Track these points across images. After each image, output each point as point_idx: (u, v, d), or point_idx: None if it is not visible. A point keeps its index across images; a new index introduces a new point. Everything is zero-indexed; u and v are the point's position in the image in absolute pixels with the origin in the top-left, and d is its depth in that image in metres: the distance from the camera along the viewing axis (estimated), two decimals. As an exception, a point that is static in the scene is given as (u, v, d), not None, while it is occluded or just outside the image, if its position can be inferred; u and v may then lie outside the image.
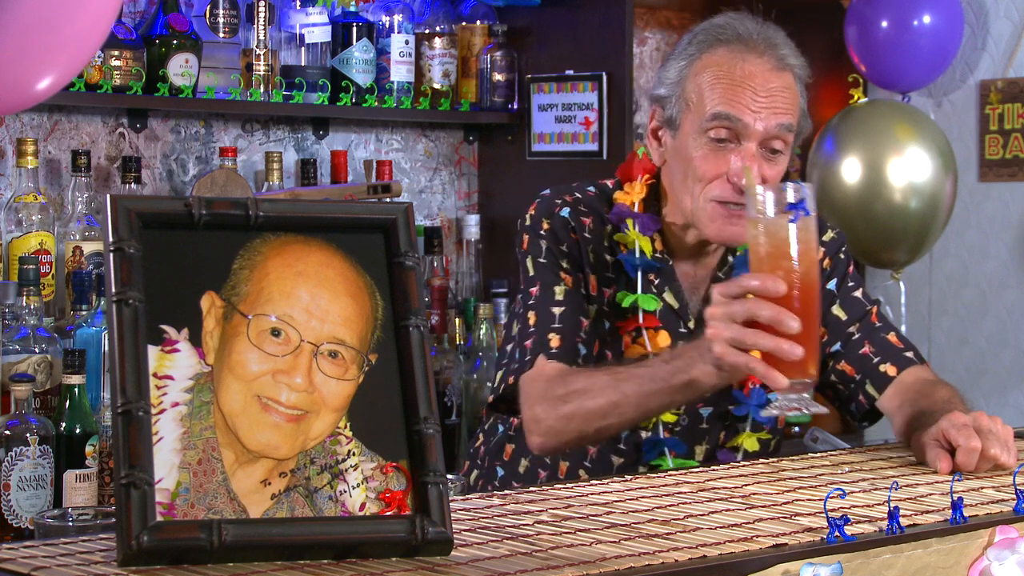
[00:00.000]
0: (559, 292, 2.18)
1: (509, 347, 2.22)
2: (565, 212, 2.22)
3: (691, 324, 2.24)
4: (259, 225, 1.42)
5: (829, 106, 4.26)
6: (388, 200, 3.43)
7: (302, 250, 1.43)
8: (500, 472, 2.29)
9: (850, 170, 3.84)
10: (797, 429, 4.21)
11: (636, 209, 2.23)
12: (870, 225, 3.75)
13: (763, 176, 2.11)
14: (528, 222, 2.25)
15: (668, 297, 2.22)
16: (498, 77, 3.77)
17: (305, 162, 3.52)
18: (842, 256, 2.33)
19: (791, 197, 1.81)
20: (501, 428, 2.32)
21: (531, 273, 2.22)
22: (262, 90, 3.36)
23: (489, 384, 3.47)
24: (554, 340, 2.14)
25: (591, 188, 2.28)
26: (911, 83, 4.10)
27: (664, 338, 2.19)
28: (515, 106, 3.80)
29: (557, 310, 2.16)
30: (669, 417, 2.18)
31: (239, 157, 3.45)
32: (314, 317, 1.40)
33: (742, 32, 2.14)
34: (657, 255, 2.21)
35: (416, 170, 3.86)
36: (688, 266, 2.25)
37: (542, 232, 2.22)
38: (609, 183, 2.29)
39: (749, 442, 2.22)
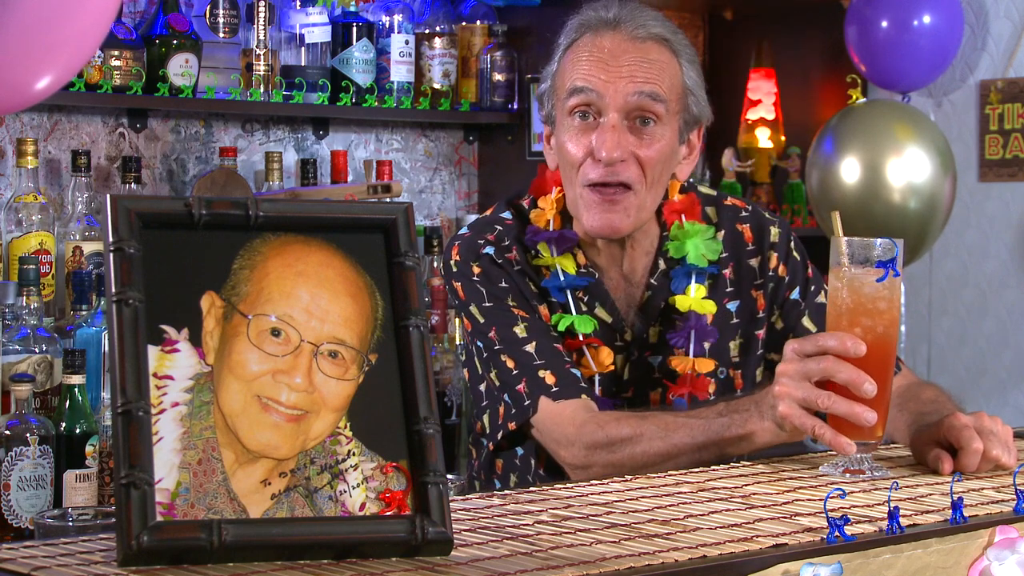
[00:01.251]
0: (520, 330, 2.11)
1: (485, 388, 2.16)
2: (489, 250, 2.14)
3: (627, 336, 2.19)
4: (259, 225, 1.42)
5: (828, 106, 4.26)
6: (388, 200, 3.43)
7: (302, 250, 1.43)
8: (498, 485, 2.25)
9: (849, 170, 3.84)
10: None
11: (552, 226, 2.16)
12: (869, 225, 3.75)
13: (635, 153, 2.05)
14: (456, 269, 2.16)
15: (600, 313, 2.16)
16: (498, 77, 3.77)
17: (305, 162, 3.52)
18: (796, 256, 2.26)
19: (883, 254, 1.79)
20: (486, 441, 2.24)
21: (481, 320, 2.13)
22: (262, 90, 3.37)
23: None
24: (548, 377, 2.07)
25: (506, 215, 2.20)
26: (911, 83, 4.10)
27: (606, 354, 2.14)
28: (515, 106, 3.80)
29: (530, 347, 2.09)
30: None
31: (239, 157, 3.45)
32: (314, 317, 1.40)
33: (603, 15, 2.11)
34: (582, 270, 2.15)
35: (416, 170, 3.87)
36: (615, 274, 2.19)
37: (475, 277, 2.14)
38: (525, 203, 2.21)
39: None
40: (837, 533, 1.44)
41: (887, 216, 3.82)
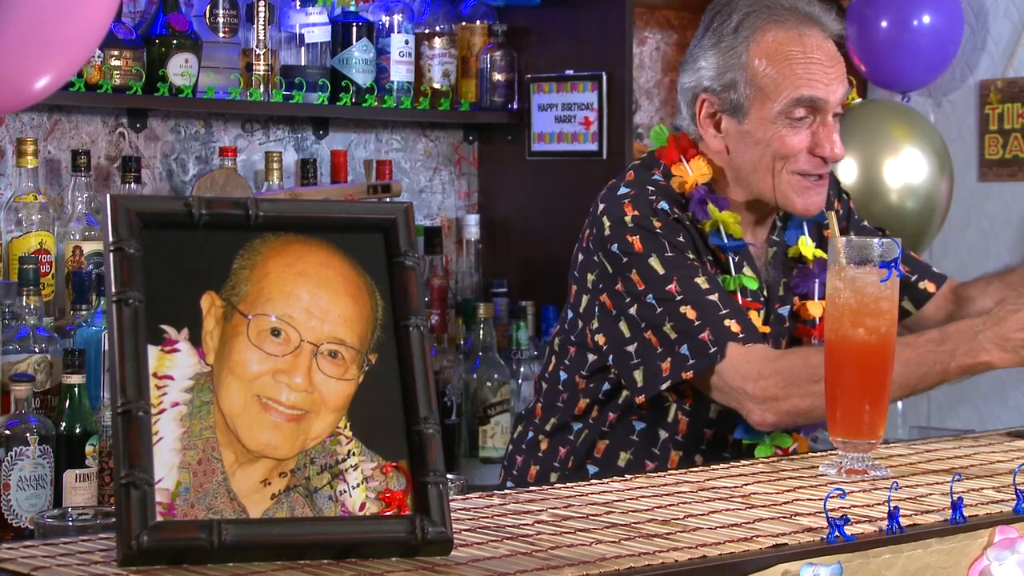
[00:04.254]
0: (703, 281, 2.17)
1: (636, 348, 2.17)
2: (664, 205, 2.22)
3: (765, 293, 2.28)
4: (259, 225, 1.42)
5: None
6: (388, 200, 3.43)
7: (302, 250, 1.43)
8: (593, 470, 2.28)
9: (847, 171, 3.84)
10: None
11: (704, 190, 2.25)
12: (873, 223, 3.75)
13: (837, 145, 2.20)
14: (632, 223, 2.20)
15: (747, 272, 2.27)
16: (498, 77, 3.77)
17: (305, 162, 3.52)
18: (845, 196, 2.45)
19: (886, 254, 1.81)
20: (578, 426, 2.30)
21: (661, 272, 2.17)
22: (262, 90, 3.36)
23: (489, 384, 3.47)
24: (733, 326, 2.13)
25: (656, 177, 2.27)
26: (911, 83, 4.10)
27: (755, 316, 2.22)
28: (515, 106, 3.80)
29: (714, 297, 2.16)
30: None
31: (239, 157, 3.45)
32: (314, 317, 1.40)
33: (787, 6, 2.21)
34: (736, 235, 2.26)
35: (416, 170, 3.86)
36: (747, 236, 2.30)
37: (657, 230, 2.19)
38: (656, 172, 2.27)
39: None
40: (837, 533, 1.44)
41: (885, 216, 3.82)
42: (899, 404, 4.27)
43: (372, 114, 3.63)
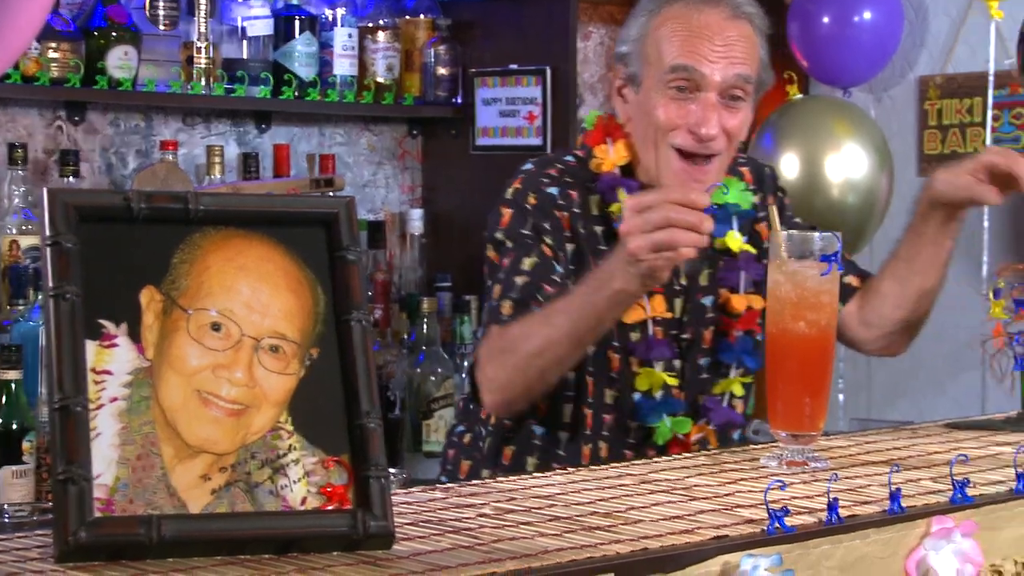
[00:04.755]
0: (527, 264, 2.16)
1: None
2: (553, 190, 2.22)
3: (683, 280, 2.27)
4: (199, 219, 1.41)
5: (768, 102, 4.28)
6: (331, 194, 3.42)
7: (243, 244, 1.42)
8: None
9: (788, 166, 3.87)
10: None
11: (617, 174, 2.24)
12: (808, 220, 3.78)
13: (723, 126, 2.16)
14: (511, 196, 2.22)
15: None
16: (442, 71, 3.76)
17: (247, 156, 3.50)
18: (780, 193, 2.44)
19: (827, 248, 1.82)
20: (481, 431, 2.29)
21: (508, 245, 2.19)
22: (203, 83, 3.34)
23: (433, 378, 3.47)
24: (506, 308, 2.13)
25: (570, 158, 2.28)
26: (852, 78, 4.13)
27: (659, 300, 2.22)
28: (459, 100, 3.79)
29: (520, 279, 2.15)
30: (669, 378, 2.20)
31: (180, 151, 3.42)
32: (255, 311, 1.40)
33: None
34: None
35: (359, 164, 3.85)
36: None
37: (527, 206, 2.20)
38: (579, 153, 2.28)
39: (736, 386, 2.27)
40: (777, 524, 1.45)
41: (826, 211, 3.85)
42: (840, 396, 4.31)
43: (315, 108, 3.62)
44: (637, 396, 2.21)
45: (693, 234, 1.87)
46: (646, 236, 1.87)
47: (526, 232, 2.19)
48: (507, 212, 2.22)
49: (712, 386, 2.28)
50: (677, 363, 2.24)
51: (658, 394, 2.21)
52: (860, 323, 2.34)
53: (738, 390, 2.28)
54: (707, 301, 2.29)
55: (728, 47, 2.17)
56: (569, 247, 2.21)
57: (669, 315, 2.24)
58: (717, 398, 2.27)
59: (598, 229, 2.23)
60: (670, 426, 2.20)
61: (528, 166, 2.28)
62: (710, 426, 2.26)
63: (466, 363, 2.24)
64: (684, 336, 2.27)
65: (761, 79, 2.23)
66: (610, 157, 2.24)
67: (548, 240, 2.19)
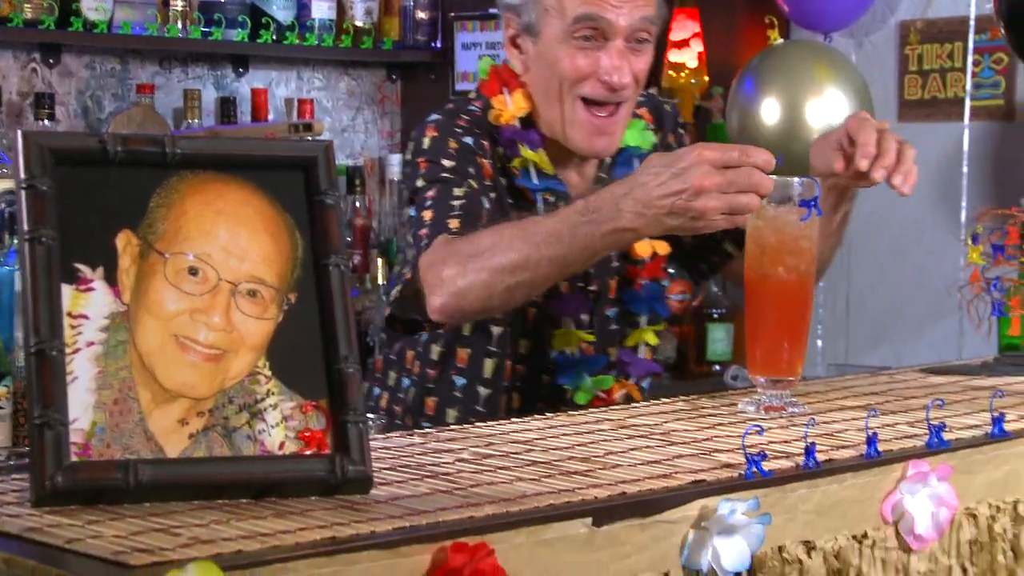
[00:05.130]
0: (459, 191, 2.08)
1: (404, 268, 2.12)
2: (469, 140, 2.14)
3: None
4: (176, 162, 1.40)
5: (749, 47, 4.27)
6: (310, 139, 3.40)
7: (221, 188, 1.41)
8: (427, 427, 2.21)
9: (769, 111, 3.86)
10: (718, 368, 4.26)
11: (517, 127, 2.16)
12: (790, 165, 3.78)
13: (630, 68, 2.10)
14: (429, 146, 2.13)
15: None
16: (421, 15, 3.74)
17: (225, 100, 3.48)
18: (681, 131, 2.37)
19: (806, 193, 1.81)
20: (407, 382, 2.23)
21: (427, 183, 2.09)
22: (180, 26, 3.31)
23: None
24: (453, 223, 2.04)
25: (474, 108, 2.19)
26: (833, 23, 4.12)
27: None
28: (438, 44, 3.77)
29: (457, 202, 2.07)
30: (586, 336, 2.16)
31: (157, 94, 3.40)
32: (233, 256, 1.39)
33: None
34: (548, 172, 2.16)
35: (338, 109, 3.83)
36: (572, 174, 2.21)
37: (450, 150, 2.12)
38: (476, 103, 2.20)
39: (649, 336, 2.23)
40: (754, 469, 1.46)
41: (807, 156, 3.84)
42: (818, 342, 4.32)
43: (293, 52, 3.60)
44: (555, 355, 2.17)
45: (757, 198, 1.78)
46: (724, 197, 1.76)
47: (448, 175, 2.10)
48: (424, 161, 2.12)
49: (624, 338, 2.23)
50: (585, 317, 2.19)
51: (575, 353, 2.16)
52: None
53: (651, 339, 2.23)
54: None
55: None
56: (492, 196, 2.13)
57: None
58: (631, 350, 2.23)
59: (503, 181, 2.16)
60: (591, 385, 2.16)
61: (436, 116, 2.18)
62: (631, 380, 2.22)
63: (384, 297, 2.12)
64: (591, 288, 2.21)
65: (659, 14, 2.17)
66: (509, 108, 2.17)
67: (474, 183, 2.10)
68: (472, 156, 2.13)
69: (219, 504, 1.31)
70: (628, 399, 2.19)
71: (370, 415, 1.81)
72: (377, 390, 2.29)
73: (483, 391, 2.18)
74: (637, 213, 1.83)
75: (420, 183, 2.11)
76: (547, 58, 2.13)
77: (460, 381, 2.20)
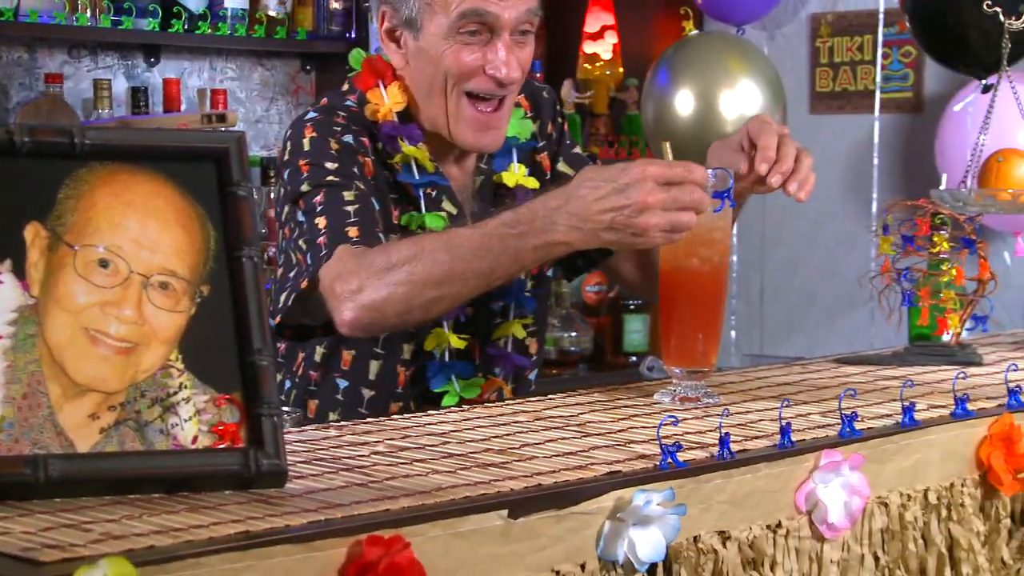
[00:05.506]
0: (349, 195, 2.04)
1: (291, 273, 2.07)
2: (349, 138, 2.09)
3: (469, 224, 2.13)
4: (85, 153, 1.38)
5: (663, 38, 4.29)
6: (223, 129, 3.37)
7: (131, 179, 1.39)
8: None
9: (683, 102, 3.88)
10: (634, 359, 4.28)
11: (396, 122, 2.12)
12: (703, 156, 3.81)
13: (517, 61, 2.08)
14: (310, 147, 2.08)
15: (447, 206, 2.14)
16: (335, 5, 3.72)
17: (136, 90, 3.43)
18: (560, 120, 2.32)
19: (719, 185, 1.81)
20: (288, 384, 2.18)
21: (314, 187, 2.04)
22: (89, 15, 3.26)
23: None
24: (352, 231, 2.00)
25: (350, 103, 2.14)
26: (745, 16, 4.15)
27: None
28: (353, 35, 3.75)
29: (350, 208, 2.02)
30: (455, 339, 2.11)
31: (66, 84, 3.35)
32: (144, 248, 1.37)
33: None
34: (428, 168, 2.13)
35: (252, 99, 3.80)
36: (453, 168, 2.18)
37: (331, 152, 2.07)
38: (351, 98, 2.16)
39: (516, 329, 2.18)
40: (670, 460, 1.46)
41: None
42: (732, 333, 4.36)
43: (206, 42, 3.56)
44: (424, 358, 2.13)
45: (695, 216, 1.79)
46: (667, 215, 1.77)
47: (334, 178, 2.05)
48: (306, 164, 2.07)
49: (492, 332, 2.19)
50: (468, 311, 2.14)
51: (444, 355, 2.12)
52: (638, 266, 2.27)
53: (519, 332, 2.19)
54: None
55: None
56: (374, 199, 2.08)
57: None
58: (498, 344, 2.18)
59: (385, 176, 2.12)
60: (459, 390, 2.11)
61: (313, 115, 2.13)
62: (499, 377, 2.18)
63: (282, 296, 2.08)
64: None
65: (541, 5, 2.13)
66: (385, 103, 2.12)
67: (361, 185, 2.06)
68: (354, 155, 2.08)
69: (131, 499, 1.29)
70: (500, 394, 2.16)
71: (285, 408, 1.79)
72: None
73: (367, 393, 2.14)
74: (572, 227, 1.82)
75: (305, 187, 2.06)
76: (430, 53, 2.08)
77: (343, 384, 2.15)
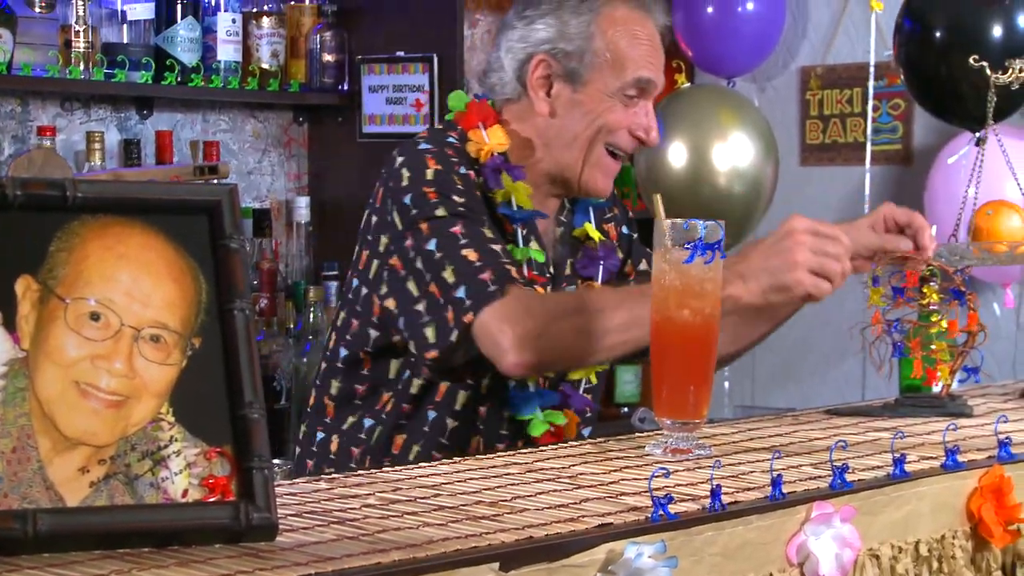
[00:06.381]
0: (488, 232, 2.13)
1: (425, 306, 2.10)
2: (463, 170, 2.18)
3: (551, 270, 2.28)
4: (78, 206, 1.39)
5: (656, 90, 4.30)
6: (215, 181, 3.38)
7: (123, 232, 1.40)
8: (387, 466, 2.19)
9: (676, 154, 3.90)
10: (626, 410, 4.27)
11: (501, 159, 2.23)
12: (696, 208, 3.82)
13: (656, 130, 2.24)
14: (433, 175, 2.15)
15: (535, 247, 2.25)
16: (328, 58, 3.74)
17: (128, 142, 3.44)
18: (615, 191, 2.43)
19: (710, 236, 1.83)
20: (370, 423, 2.22)
21: (447, 216, 2.12)
22: (82, 68, 3.28)
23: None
24: (512, 269, 2.10)
25: (451, 139, 2.23)
26: (736, 68, 4.18)
27: (540, 291, 2.20)
28: (345, 87, 3.77)
29: (497, 247, 2.11)
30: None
31: (58, 137, 3.36)
32: (135, 300, 1.37)
33: None
34: (527, 205, 2.24)
35: (244, 151, 3.81)
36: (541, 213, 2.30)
37: (458, 186, 2.15)
38: (452, 134, 2.25)
39: (592, 373, 2.29)
40: (661, 512, 1.46)
41: (714, 200, 3.89)
42: (724, 383, 4.36)
43: (198, 94, 3.57)
44: (511, 387, 2.19)
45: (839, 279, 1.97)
46: (816, 257, 1.95)
47: (465, 210, 2.14)
48: (434, 192, 2.13)
49: (570, 372, 2.28)
50: None
51: (531, 386, 2.20)
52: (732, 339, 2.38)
53: (594, 378, 2.31)
54: (570, 291, 2.30)
55: (661, 55, 2.25)
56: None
57: None
58: (572, 385, 2.27)
59: (486, 208, 2.21)
60: (543, 418, 2.18)
61: (428, 146, 2.20)
62: (573, 409, 2.26)
63: (428, 329, 2.10)
64: None
65: None
66: (488, 143, 2.21)
67: (485, 217, 2.16)
68: (473, 189, 2.18)
69: (121, 554, 1.29)
70: (579, 435, 2.25)
71: (276, 460, 1.79)
72: (321, 434, 2.26)
73: (451, 423, 2.19)
74: (737, 277, 1.95)
75: (441, 212, 2.13)
76: (586, 106, 2.21)
77: (432, 415, 2.20)
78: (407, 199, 2.14)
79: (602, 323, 2.03)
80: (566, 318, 2.03)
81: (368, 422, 2.22)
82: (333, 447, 2.25)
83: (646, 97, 2.23)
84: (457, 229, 2.11)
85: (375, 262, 2.18)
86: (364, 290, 2.20)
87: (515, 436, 2.21)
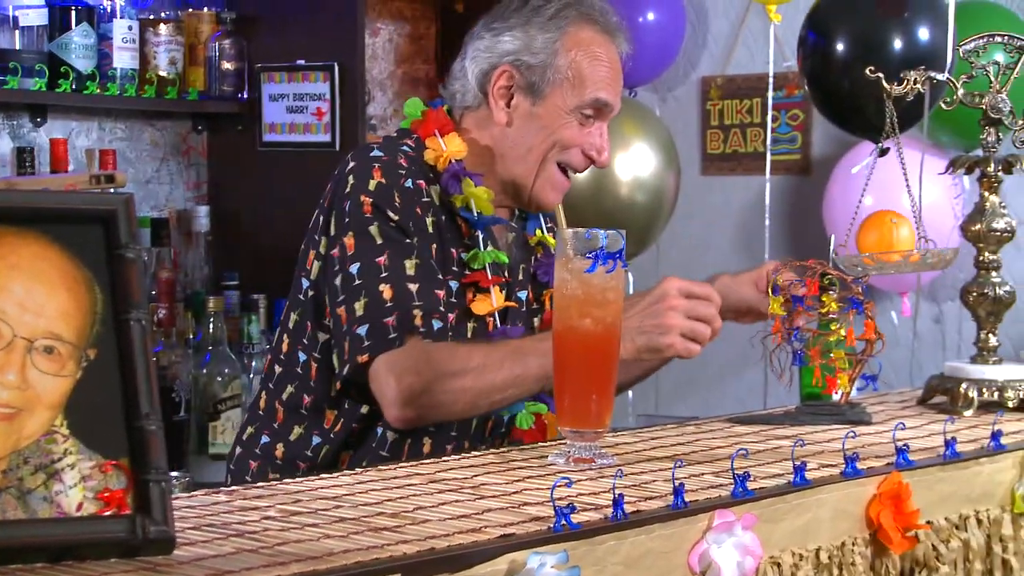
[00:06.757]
0: (410, 267, 2.14)
1: (333, 321, 2.13)
2: (410, 184, 2.19)
3: (507, 274, 2.28)
4: (-31, 215, 1.35)
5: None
6: (112, 190, 3.32)
7: (15, 242, 1.37)
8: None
9: (578, 164, 3.91)
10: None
11: (460, 166, 2.25)
12: (599, 218, 3.84)
13: (607, 152, 2.30)
14: (375, 187, 2.16)
15: (495, 250, 2.28)
16: (227, 66, 3.70)
17: (21, 150, 3.38)
18: None
19: (611, 246, 1.83)
20: (317, 440, 2.20)
21: (378, 241, 2.14)
22: (-26, 74, 3.22)
23: (219, 379, 3.40)
24: (417, 318, 2.11)
25: (406, 148, 2.25)
26: (637, 78, 4.20)
27: (498, 294, 2.24)
28: (245, 95, 3.73)
29: (413, 287, 2.13)
30: None
31: (-50, 144, 3.29)
32: (28, 311, 1.35)
33: (598, 9, 2.30)
34: (487, 211, 2.26)
35: (142, 160, 3.76)
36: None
37: (395, 203, 2.16)
38: (407, 142, 2.26)
39: None
40: (563, 522, 1.46)
41: (616, 210, 3.91)
42: (629, 393, 4.38)
43: (94, 102, 3.52)
44: None
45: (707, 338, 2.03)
46: (688, 321, 2.01)
47: (392, 231, 2.15)
48: (367, 201, 2.15)
49: None
50: None
51: None
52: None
53: None
54: (522, 295, 2.32)
55: (620, 80, 2.29)
56: (433, 246, 2.19)
57: (511, 304, 2.28)
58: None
59: (443, 218, 2.22)
60: (527, 410, 2.21)
61: (378, 153, 2.21)
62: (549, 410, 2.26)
63: (355, 364, 2.13)
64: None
65: None
66: (446, 150, 2.24)
67: (417, 240, 2.17)
68: (413, 204, 2.18)
69: (13, 570, 1.26)
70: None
71: (174, 473, 1.76)
72: (266, 438, 2.25)
73: (391, 436, 2.18)
74: (625, 338, 1.97)
75: (373, 229, 2.14)
76: (543, 120, 2.25)
77: (380, 431, 2.19)
78: (347, 206, 2.17)
79: (486, 382, 2.07)
80: (451, 379, 2.07)
81: (316, 440, 2.22)
82: (278, 453, 2.24)
83: (602, 119, 2.27)
84: (382, 260, 2.14)
85: (317, 263, 2.22)
86: (311, 292, 2.22)
87: (497, 433, 2.24)
